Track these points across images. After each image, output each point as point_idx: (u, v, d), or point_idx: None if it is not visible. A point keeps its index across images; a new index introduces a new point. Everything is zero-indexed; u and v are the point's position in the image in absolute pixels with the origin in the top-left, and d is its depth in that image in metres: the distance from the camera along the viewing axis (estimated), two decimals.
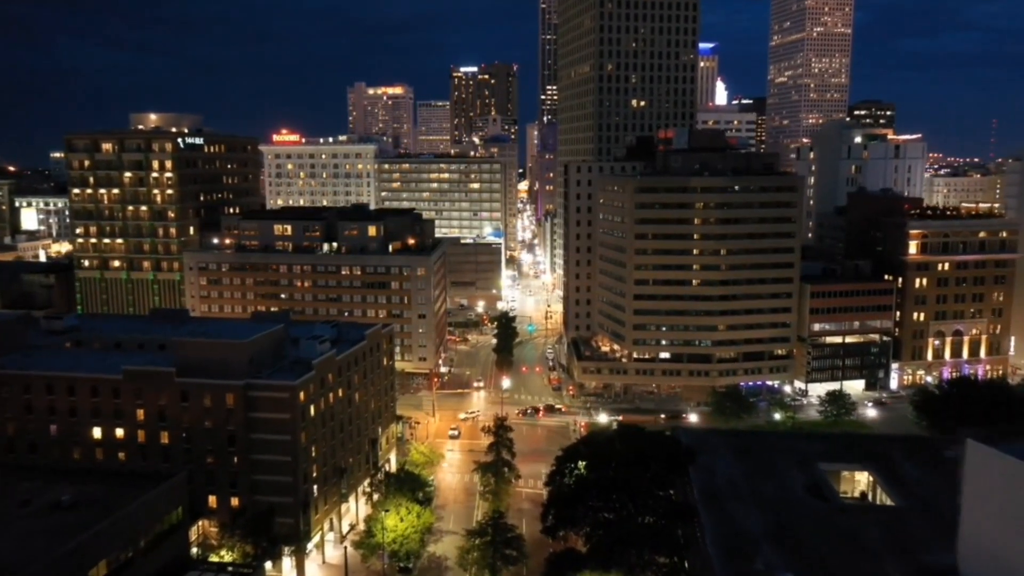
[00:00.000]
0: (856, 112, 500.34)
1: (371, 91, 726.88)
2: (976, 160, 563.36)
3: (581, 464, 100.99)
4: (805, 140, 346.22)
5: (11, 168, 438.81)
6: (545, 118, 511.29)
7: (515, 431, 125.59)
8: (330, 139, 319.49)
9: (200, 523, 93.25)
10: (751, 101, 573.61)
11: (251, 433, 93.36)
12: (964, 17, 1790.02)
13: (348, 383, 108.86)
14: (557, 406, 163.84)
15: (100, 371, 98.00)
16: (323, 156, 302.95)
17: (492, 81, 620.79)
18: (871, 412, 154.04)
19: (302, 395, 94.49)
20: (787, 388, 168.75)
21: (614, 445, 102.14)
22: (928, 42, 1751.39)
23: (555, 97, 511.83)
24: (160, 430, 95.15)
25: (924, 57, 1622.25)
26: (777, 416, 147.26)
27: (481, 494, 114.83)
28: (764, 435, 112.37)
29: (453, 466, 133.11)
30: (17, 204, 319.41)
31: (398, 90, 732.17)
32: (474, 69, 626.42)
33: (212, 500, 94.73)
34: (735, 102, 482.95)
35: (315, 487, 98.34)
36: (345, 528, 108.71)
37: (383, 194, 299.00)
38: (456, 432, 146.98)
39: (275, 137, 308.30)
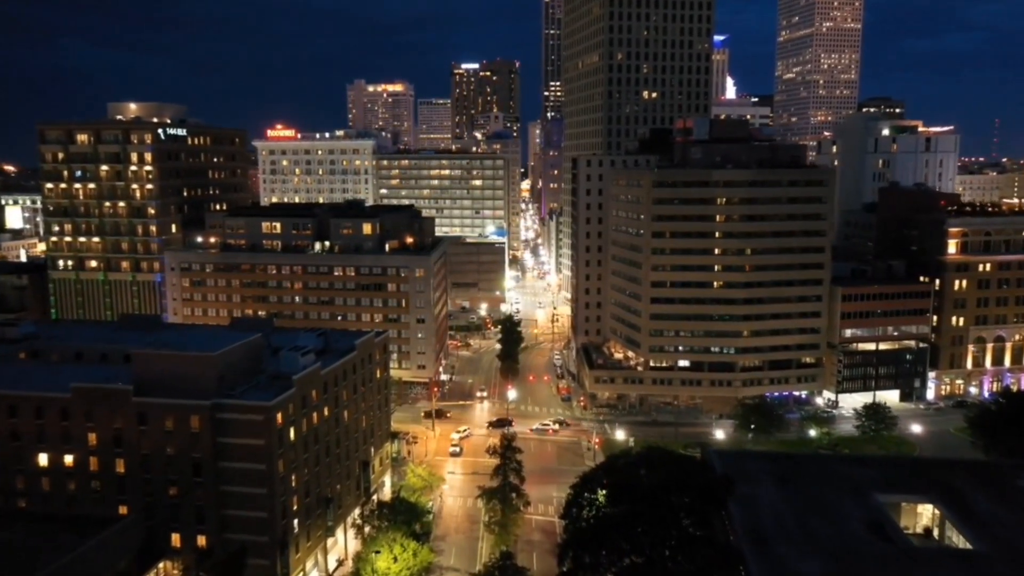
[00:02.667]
0: (865, 109, 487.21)
1: (371, 88, 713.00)
2: (981, 159, 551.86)
3: (600, 494, 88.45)
4: (827, 134, 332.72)
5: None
6: (549, 114, 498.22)
7: (522, 448, 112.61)
8: (326, 134, 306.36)
9: (161, 565, 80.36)
10: (756, 99, 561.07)
11: (220, 461, 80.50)
12: (966, 17, 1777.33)
13: (335, 400, 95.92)
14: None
15: (49, 387, 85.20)
16: (319, 152, 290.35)
17: (494, 78, 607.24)
18: (915, 428, 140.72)
19: (279, 417, 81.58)
20: (819, 400, 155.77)
21: (638, 471, 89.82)
22: (930, 42, 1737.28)
23: (559, 94, 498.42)
24: (115, 457, 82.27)
25: (926, 57, 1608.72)
26: (812, 432, 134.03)
27: (486, 525, 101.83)
28: (807, 458, 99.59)
29: (455, 489, 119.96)
30: (3, 202, 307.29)
31: (398, 87, 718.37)
32: (475, 66, 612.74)
33: (175, 539, 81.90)
34: (742, 98, 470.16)
35: (295, 522, 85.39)
36: (332, 565, 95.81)
37: (382, 191, 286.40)
38: (458, 450, 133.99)
39: (269, 132, 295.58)
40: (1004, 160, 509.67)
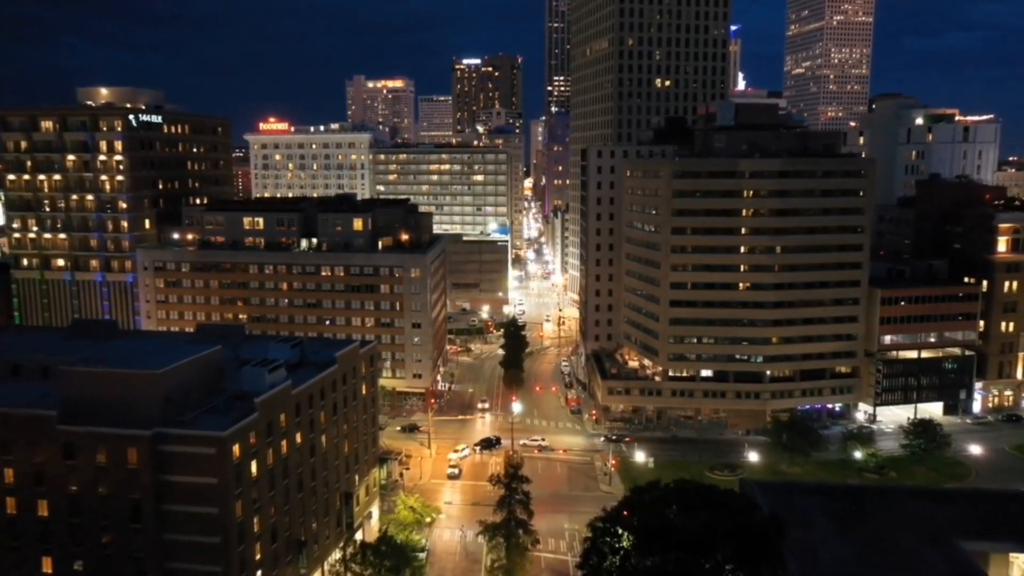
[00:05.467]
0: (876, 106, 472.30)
1: (370, 84, 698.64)
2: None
3: (625, 536, 74.04)
4: (853, 124, 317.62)
5: None
6: (552, 109, 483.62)
7: (528, 470, 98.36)
8: (321, 127, 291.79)
9: None
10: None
11: (164, 503, 65.99)
12: (968, 16, 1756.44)
13: (311, 424, 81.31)
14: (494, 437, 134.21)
15: None
16: (313, 146, 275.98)
17: (496, 73, 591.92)
18: (969, 447, 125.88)
19: (236, 448, 66.99)
20: (859, 416, 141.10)
21: (669, 509, 75.43)
22: (932, 41, 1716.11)
23: (563, 89, 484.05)
24: (36, 498, 67.77)
25: (927, 56, 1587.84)
26: (857, 454, 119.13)
27: (489, 570, 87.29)
28: (867, 492, 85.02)
29: (452, 519, 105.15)
30: None
31: (398, 83, 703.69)
32: (477, 61, 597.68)
33: None
34: (754, 91, 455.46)
35: (259, 574, 70.82)
36: None
37: (379, 187, 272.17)
38: (456, 471, 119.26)
39: (262, 126, 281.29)
40: (1011, 159, 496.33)
